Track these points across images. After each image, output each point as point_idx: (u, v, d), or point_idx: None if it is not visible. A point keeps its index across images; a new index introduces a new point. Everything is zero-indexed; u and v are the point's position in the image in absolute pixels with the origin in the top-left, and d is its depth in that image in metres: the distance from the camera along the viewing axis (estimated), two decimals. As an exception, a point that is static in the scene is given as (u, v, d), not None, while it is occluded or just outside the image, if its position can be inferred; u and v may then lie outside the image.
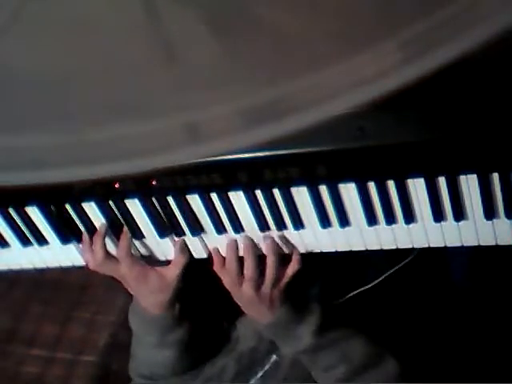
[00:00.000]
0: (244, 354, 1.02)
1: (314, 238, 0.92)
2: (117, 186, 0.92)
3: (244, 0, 0.34)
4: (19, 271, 1.10)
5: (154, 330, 0.99)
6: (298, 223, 0.91)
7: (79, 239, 1.00)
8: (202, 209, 0.92)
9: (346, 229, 0.90)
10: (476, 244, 0.89)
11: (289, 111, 0.32)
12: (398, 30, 0.31)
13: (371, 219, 0.88)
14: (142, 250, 1.00)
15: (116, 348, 1.68)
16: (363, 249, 0.92)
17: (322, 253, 0.94)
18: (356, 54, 0.31)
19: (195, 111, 0.33)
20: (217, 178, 0.88)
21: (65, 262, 1.06)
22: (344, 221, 0.89)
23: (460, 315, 1.10)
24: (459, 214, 0.85)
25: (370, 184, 0.85)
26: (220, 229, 0.94)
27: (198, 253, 0.98)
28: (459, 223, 0.86)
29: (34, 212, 1.00)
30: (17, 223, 1.01)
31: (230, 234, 0.94)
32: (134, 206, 0.95)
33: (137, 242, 0.99)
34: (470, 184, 0.83)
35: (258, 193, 0.89)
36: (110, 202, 0.95)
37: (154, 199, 0.93)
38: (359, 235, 0.90)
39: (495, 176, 0.82)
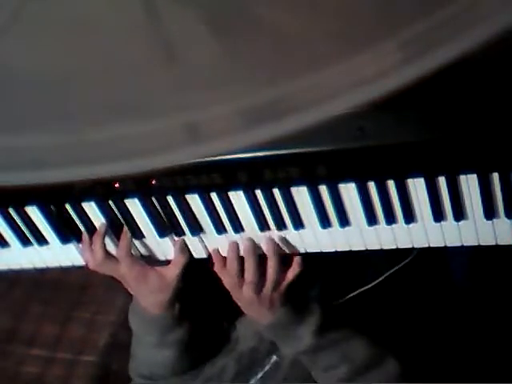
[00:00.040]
0: (244, 354, 1.02)
1: (313, 237, 0.92)
2: (117, 185, 0.92)
3: (244, 0, 0.34)
4: (19, 271, 1.10)
5: (154, 330, 0.99)
6: (298, 223, 0.91)
7: (79, 239, 1.00)
8: (202, 209, 0.92)
9: (346, 229, 0.90)
10: (476, 244, 0.89)
11: (289, 111, 0.32)
12: (398, 30, 0.31)
13: (371, 219, 0.88)
14: (142, 250, 1.00)
15: (116, 348, 1.68)
16: (363, 249, 0.92)
17: (321, 253, 0.94)
18: (356, 53, 0.31)
19: (195, 111, 0.33)
20: (217, 177, 0.88)
21: (65, 262, 1.06)
22: (344, 221, 0.89)
23: (460, 315, 1.10)
24: (459, 213, 0.85)
25: (370, 184, 0.85)
26: (220, 229, 0.94)
27: (198, 253, 0.98)
28: (459, 223, 0.86)
29: (33, 212, 1.00)
30: (17, 223, 1.01)
31: (229, 234, 0.94)
32: (134, 206, 0.95)
33: (137, 242, 0.99)
34: (470, 184, 0.83)
35: (258, 193, 0.89)
36: (110, 202, 0.95)
37: (153, 199, 0.93)
38: (359, 235, 0.90)
39: (495, 176, 0.82)
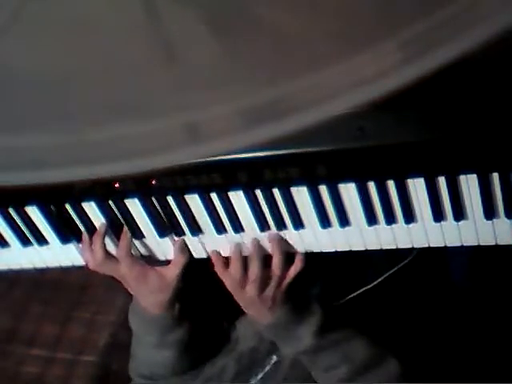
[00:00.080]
0: (244, 354, 1.02)
1: (314, 238, 0.92)
2: (117, 185, 0.92)
3: (244, 0, 0.34)
4: (19, 271, 1.10)
5: (154, 330, 0.99)
6: (298, 223, 0.91)
7: (79, 239, 1.00)
8: (202, 209, 0.92)
9: (346, 229, 0.90)
10: (476, 244, 0.89)
11: (289, 111, 0.32)
12: (398, 30, 0.31)
13: (371, 219, 0.88)
14: (142, 250, 1.00)
15: (116, 348, 1.68)
16: (363, 249, 0.92)
17: (322, 253, 0.94)
18: (356, 53, 0.31)
19: (195, 111, 0.33)
20: (217, 177, 0.88)
21: (65, 262, 1.06)
22: (344, 221, 0.89)
23: (460, 315, 1.10)
24: (459, 213, 0.85)
25: (370, 184, 0.85)
26: (220, 229, 0.94)
27: (198, 253, 0.98)
28: (459, 223, 0.86)
29: (33, 212, 1.00)
30: (17, 223, 1.01)
31: (229, 234, 0.94)
32: (134, 206, 0.95)
33: (137, 242, 0.99)
34: (470, 184, 0.83)
35: (258, 193, 0.89)
36: (110, 202, 0.95)
37: (153, 199, 0.93)
38: (359, 235, 0.90)
39: (495, 176, 0.82)
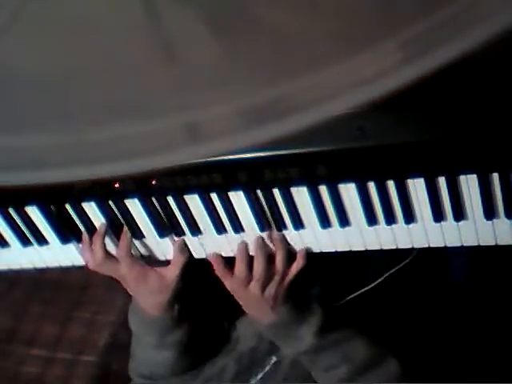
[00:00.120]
0: (244, 354, 1.02)
1: (314, 238, 0.92)
2: (117, 186, 0.92)
3: (244, 0, 0.34)
4: (19, 271, 1.10)
5: (153, 331, 0.99)
6: (298, 223, 0.91)
7: (79, 239, 1.00)
8: (202, 209, 0.92)
9: (346, 229, 0.90)
10: (476, 244, 0.89)
11: (289, 111, 0.32)
12: (398, 30, 0.31)
13: (371, 219, 0.88)
14: (142, 250, 1.00)
15: (116, 348, 1.68)
16: (363, 249, 0.92)
17: (321, 253, 0.94)
18: (356, 53, 0.31)
19: (195, 111, 0.33)
20: (217, 177, 0.88)
21: (65, 262, 1.06)
22: (344, 221, 0.89)
23: (460, 315, 1.10)
24: (459, 214, 0.85)
25: (370, 184, 0.85)
26: (220, 229, 0.94)
27: (198, 253, 0.98)
28: (459, 223, 0.86)
29: (33, 212, 1.00)
30: (17, 223, 1.02)
31: (229, 234, 0.94)
32: (134, 206, 0.95)
33: (137, 242, 0.99)
34: (470, 184, 0.83)
35: (258, 193, 0.89)
36: (110, 202, 0.95)
37: (154, 199, 0.93)
38: (359, 235, 0.90)
39: (495, 176, 0.82)
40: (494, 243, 0.88)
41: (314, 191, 0.87)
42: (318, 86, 0.32)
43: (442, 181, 0.83)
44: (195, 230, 0.95)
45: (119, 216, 0.96)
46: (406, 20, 0.31)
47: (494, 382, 0.96)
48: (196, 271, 0.99)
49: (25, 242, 1.03)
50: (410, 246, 0.91)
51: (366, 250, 0.92)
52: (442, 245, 0.90)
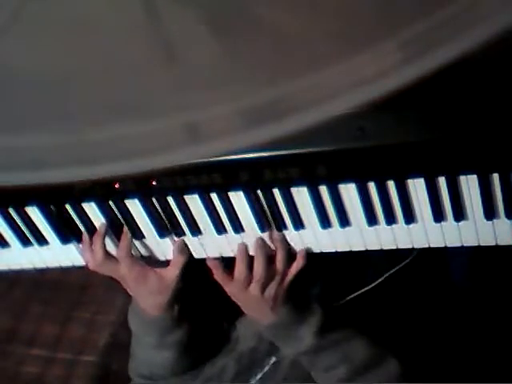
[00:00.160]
0: (244, 354, 1.02)
1: (314, 238, 0.92)
2: (117, 186, 0.92)
3: (244, 0, 0.34)
4: (19, 271, 1.10)
5: (153, 331, 0.99)
6: (298, 223, 0.91)
7: (79, 239, 1.00)
8: (202, 209, 0.92)
9: (346, 229, 0.90)
10: (476, 244, 0.89)
11: (289, 111, 0.32)
12: (398, 30, 0.31)
13: (371, 219, 0.88)
14: (142, 250, 1.00)
15: (116, 348, 1.68)
16: (363, 249, 0.92)
17: (321, 253, 0.94)
18: (356, 53, 0.31)
19: (195, 111, 0.33)
20: (217, 177, 0.88)
21: (65, 262, 1.06)
22: (344, 221, 0.89)
23: (460, 315, 1.10)
24: (459, 214, 0.85)
25: (370, 184, 0.85)
26: (220, 229, 0.94)
27: (198, 253, 0.98)
28: (459, 223, 0.86)
29: (34, 212, 1.00)
30: (17, 223, 1.01)
31: (229, 234, 0.94)
32: (134, 206, 0.95)
33: (137, 242, 0.99)
34: (470, 184, 0.83)
35: (258, 193, 0.89)
36: (110, 202, 0.95)
37: (154, 199, 0.93)
38: (359, 235, 0.90)
39: (495, 176, 0.82)
40: (494, 243, 0.88)
41: (314, 191, 0.87)
42: (317, 86, 0.32)
43: (442, 181, 0.83)
44: (195, 230, 0.95)
45: (119, 216, 0.96)
46: (406, 20, 0.31)
47: (494, 382, 0.96)
48: (196, 271, 0.99)
49: (25, 242, 1.03)
50: (410, 246, 0.91)
51: (366, 250, 0.92)
52: (442, 245, 0.90)
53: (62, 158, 0.35)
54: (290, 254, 0.93)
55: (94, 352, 1.71)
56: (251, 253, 0.94)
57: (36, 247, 1.04)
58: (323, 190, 0.87)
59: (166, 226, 0.96)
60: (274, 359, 0.99)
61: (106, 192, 0.94)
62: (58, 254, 1.04)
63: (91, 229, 0.98)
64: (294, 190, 0.88)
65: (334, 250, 0.93)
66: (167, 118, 0.33)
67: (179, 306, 0.98)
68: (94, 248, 0.96)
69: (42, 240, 1.03)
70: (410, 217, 0.87)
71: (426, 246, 0.90)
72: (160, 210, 0.94)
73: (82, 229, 0.98)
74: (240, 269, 0.92)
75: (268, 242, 0.93)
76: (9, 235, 1.04)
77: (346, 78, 0.32)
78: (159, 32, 0.35)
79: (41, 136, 0.35)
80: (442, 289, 1.13)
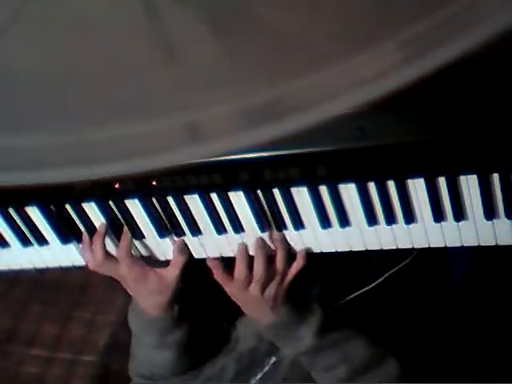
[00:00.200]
0: (244, 354, 1.02)
1: (314, 238, 0.92)
2: (117, 186, 0.92)
3: (244, 0, 0.34)
4: (19, 271, 1.10)
5: (153, 331, 0.99)
6: (298, 223, 0.91)
7: (79, 239, 1.00)
8: (202, 209, 0.92)
9: (346, 229, 0.90)
10: (476, 244, 0.89)
11: (289, 111, 0.32)
12: (397, 30, 0.31)
13: (371, 219, 0.88)
14: (142, 250, 1.00)
15: (116, 348, 1.68)
16: (363, 249, 0.92)
17: (321, 253, 0.94)
18: (356, 53, 0.31)
19: (195, 111, 0.33)
20: (217, 177, 0.88)
21: (65, 262, 1.06)
22: (344, 221, 0.89)
23: (460, 315, 1.10)
24: (459, 214, 0.85)
25: (370, 184, 0.85)
26: (220, 229, 0.94)
27: (198, 253, 0.98)
28: (459, 223, 0.86)
29: (34, 212, 1.00)
30: (17, 223, 1.01)
31: (229, 234, 0.94)
32: (134, 206, 0.95)
33: (137, 242, 0.99)
34: (470, 184, 0.83)
35: (258, 193, 0.89)
36: (110, 202, 0.95)
37: (154, 199, 0.93)
38: (359, 235, 0.90)
39: (495, 176, 0.82)
40: (494, 243, 0.88)
41: (314, 191, 0.87)
42: (318, 86, 0.32)
43: (442, 181, 0.83)
44: (195, 230, 0.95)
45: (119, 216, 0.96)
46: (406, 20, 0.31)
47: (494, 382, 0.96)
48: (196, 271, 0.99)
49: (25, 242, 1.03)
50: (410, 246, 0.91)
51: (366, 250, 0.92)
52: (442, 245, 0.90)
53: (62, 158, 0.35)
54: (290, 254, 0.93)
55: (94, 352, 1.71)
56: (251, 253, 0.94)
57: (36, 247, 1.04)
58: (323, 189, 0.87)
59: (166, 226, 0.96)
60: (273, 359, 0.99)
61: (106, 192, 0.94)
62: (58, 254, 1.04)
63: (91, 229, 0.98)
64: (294, 190, 0.88)
65: (333, 250, 0.93)
66: (167, 118, 0.33)
67: (179, 306, 0.98)
68: (94, 248, 0.96)
69: (41, 240, 1.03)
70: (410, 217, 0.87)
71: (426, 245, 0.90)
72: (160, 210, 0.94)
73: (82, 229, 0.98)
74: (240, 269, 0.92)
75: (268, 242, 0.93)
76: (9, 235, 1.04)
77: (346, 78, 0.32)
78: (159, 32, 0.35)
79: (41, 136, 0.35)
80: (442, 289, 1.13)
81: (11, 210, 1.00)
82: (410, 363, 0.94)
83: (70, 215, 0.98)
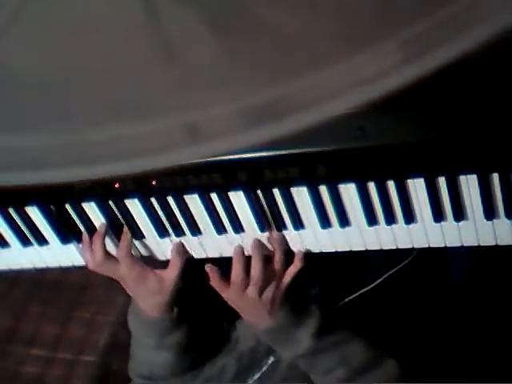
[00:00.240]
0: (244, 353, 1.02)
1: (313, 238, 0.92)
2: (117, 186, 0.92)
3: (244, 0, 0.34)
4: (19, 271, 1.10)
5: (153, 332, 0.99)
6: (298, 223, 0.91)
7: (79, 239, 1.00)
8: (202, 209, 0.92)
9: (346, 229, 0.90)
10: (476, 244, 0.89)
11: (289, 111, 0.32)
12: (397, 30, 0.31)
13: (371, 219, 0.88)
14: (142, 250, 1.00)
15: (116, 348, 1.68)
16: (363, 249, 0.92)
17: (321, 253, 0.94)
18: (356, 53, 0.31)
19: (195, 111, 0.33)
20: (217, 177, 0.88)
21: (65, 262, 1.06)
22: (344, 221, 0.89)
23: (460, 315, 1.10)
24: (459, 214, 0.85)
25: (370, 184, 0.85)
26: (220, 229, 0.94)
27: (198, 253, 0.98)
28: (459, 223, 0.86)
29: (34, 212, 1.00)
30: (17, 223, 1.01)
31: (229, 234, 0.94)
32: (134, 206, 0.95)
33: (137, 242, 0.99)
34: (470, 184, 0.83)
35: (258, 193, 0.89)
36: (110, 202, 0.95)
37: (153, 199, 0.93)
38: (359, 235, 0.90)
39: (495, 176, 0.82)
40: (494, 243, 0.88)
41: (314, 191, 0.87)
42: (318, 86, 0.32)
43: (441, 181, 0.83)
44: (195, 230, 0.95)
45: (119, 216, 0.96)
46: (406, 20, 0.31)
47: (494, 382, 0.96)
48: (195, 272, 0.99)
49: (25, 242, 1.03)
50: (410, 246, 0.91)
51: (366, 250, 0.92)
52: (442, 245, 0.90)
53: (62, 158, 0.35)
54: (289, 255, 0.93)
55: (94, 352, 1.71)
56: (249, 254, 0.94)
57: (36, 247, 1.04)
58: (323, 189, 0.87)
59: (166, 226, 0.96)
60: (272, 359, 0.99)
61: (106, 192, 0.94)
62: (58, 254, 1.04)
63: (91, 229, 0.98)
64: (294, 190, 0.88)
65: (333, 250, 0.93)
66: (167, 118, 0.33)
67: (179, 307, 0.98)
68: (93, 248, 0.96)
69: (41, 240, 1.03)
70: (409, 217, 0.87)
71: (426, 245, 0.90)
72: (160, 209, 0.94)
73: (82, 229, 0.98)
74: (237, 271, 0.92)
75: (266, 242, 0.93)
76: (9, 235, 1.04)
77: (346, 78, 0.32)
78: (159, 32, 0.35)
79: (41, 136, 0.35)
80: (442, 289, 1.13)
81: (11, 210, 1.00)
82: (410, 363, 0.94)
83: (70, 215, 0.98)
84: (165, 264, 0.98)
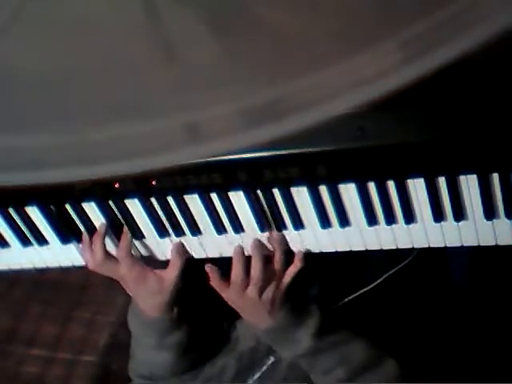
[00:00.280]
0: (244, 353, 1.02)
1: (313, 238, 0.92)
2: (117, 186, 0.92)
3: (244, 0, 0.34)
4: (19, 271, 1.10)
5: (153, 333, 0.99)
6: (298, 223, 0.91)
7: (79, 239, 1.00)
8: (202, 209, 0.92)
9: (346, 229, 0.90)
10: (476, 244, 0.89)
11: (289, 111, 0.32)
12: (397, 30, 0.31)
13: (371, 219, 0.88)
14: (142, 250, 1.00)
15: (116, 348, 1.68)
16: (363, 249, 0.92)
17: (321, 253, 0.94)
18: (356, 53, 0.31)
19: (195, 111, 0.33)
20: (217, 177, 0.88)
21: (65, 262, 1.06)
22: (344, 221, 0.89)
23: (460, 315, 1.10)
24: (459, 214, 0.85)
25: (370, 184, 0.85)
26: (220, 229, 0.94)
27: (198, 253, 0.98)
28: (459, 223, 0.86)
29: (33, 212, 1.00)
30: (17, 223, 1.02)
31: (229, 234, 0.94)
32: (134, 206, 0.95)
33: (137, 242, 0.99)
34: (470, 184, 0.83)
35: (258, 193, 0.89)
36: (110, 202, 0.95)
37: (153, 199, 0.93)
38: (359, 235, 0.90)
39: (495, 176, 0.82)
40: (494, 243, 0.88)
41: (314, 191, 0.87)
42: (318, 86, 0.32)
43: (441, 181, 0.83)
44: (195, 230, 0.95)
45: (119, 216, 0.96)
46: (406, 20, 0.31)
47: (494, 382, 0.96)
48: (195, 272, 0.99)
49: (25, 242, 1.03)
50: (410, 246, 0.91)
51: (366, 250, 0.92)
52: (442, 245, 0.90)
53: (62, 158, 0.35)
54: (289, 255, 0.93)
55: (94, 352, 1.71)
56: (249, 254, 0.94)
57: (36, 247, 1.04)
58: (323, 189, 0.87)
59: (166, 226, 0.96)
60: (272, 359, 0.99)
61: (106, 192, 0.94)
62: (58, 254, 1.04)
63: (91, 229, 0.98)
64: (294, 190, 0.88)
65: (333, 250, 0.93)
66: (167, 118, 0.33)
67: (179, 307, 0.98)
68: (93, 248, 0.96)
69: (41, 240, 1.03)
70: (409, 217, 0.87)
71: (426, 245, 0.90)
72: (160, 209, 0.94)
73: (82, 229, 0.98)
74: (237, 271, 0.92)
75: (266, 242, 0.93)
76: (9, 235, 1.04)
77: (346, 78, 0.32)
78: (159, 32, 0.35)
79: (41, 136, 0.35)
80: (442, 289, 1.13)
81: (11, 210, 1.00)
82: (410, 363, 0.94)
83: (69, 215, 0.98)
84: (165, 264, 0.98)
